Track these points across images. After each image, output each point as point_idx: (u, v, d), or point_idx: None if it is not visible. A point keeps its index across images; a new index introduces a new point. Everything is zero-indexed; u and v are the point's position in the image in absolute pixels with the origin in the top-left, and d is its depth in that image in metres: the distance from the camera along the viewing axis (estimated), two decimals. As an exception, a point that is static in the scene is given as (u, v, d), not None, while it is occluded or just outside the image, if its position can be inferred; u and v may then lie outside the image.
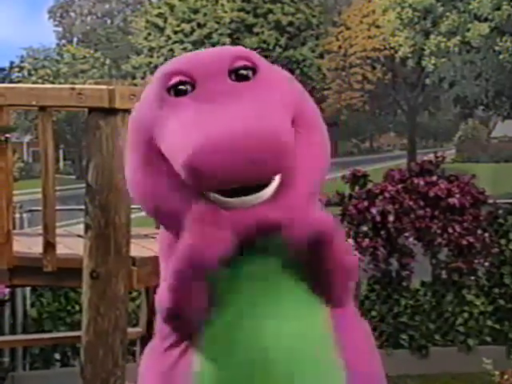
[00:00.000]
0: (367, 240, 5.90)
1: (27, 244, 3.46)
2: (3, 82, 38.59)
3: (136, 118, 1.70)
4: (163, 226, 1.70)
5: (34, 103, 3.03)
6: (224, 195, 1.50)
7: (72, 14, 59.35)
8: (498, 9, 22.95)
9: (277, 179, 1.53)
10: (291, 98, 1.60)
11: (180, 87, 1.60)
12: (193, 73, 1.59)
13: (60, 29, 59.43)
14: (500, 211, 6.26)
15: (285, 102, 1.56)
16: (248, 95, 1.53)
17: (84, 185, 3.00)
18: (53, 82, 38.63)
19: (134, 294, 5.53)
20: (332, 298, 1.69)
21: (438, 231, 5.95)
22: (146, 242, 3.47)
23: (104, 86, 2.97)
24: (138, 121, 1.67)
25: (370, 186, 6.11)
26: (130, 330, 3.71)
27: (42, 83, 36.11)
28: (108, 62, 45.54)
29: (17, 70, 44.84)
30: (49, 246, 3.06)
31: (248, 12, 34.48)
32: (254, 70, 1.60)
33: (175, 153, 1.49)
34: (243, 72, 1.59)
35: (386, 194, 5.94)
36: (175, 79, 1.60)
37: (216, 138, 1.42)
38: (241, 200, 1.50)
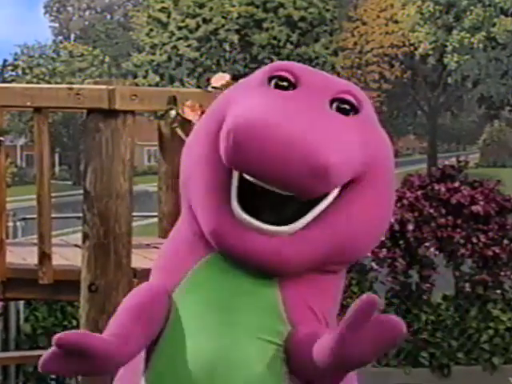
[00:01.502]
0: (385, 250, 5.89)
1: (21, 254, 3.47)
2: (-4, 82, 38.76)
3: (226, 93, 1.83)
4: (183, 198, 1.80)
5: (28, 104, 3.04)
6: (249, 211, 1.59)
7: (69, 9, 59.61)
8: (526, 2, 22.95)
9: (307, 217, 1.61)
10: (370, 149, 1.68)
11: (282, 83, 1.71)
12: (301, 79, 1.71)
13: (56, 24, 59.68)
14: (528, 220, 6.25)
15: (363, 150, 1.64)
16: (328, 123, 1.62)
17: (82, 191, 3.01)
18: (49, 82, 38.77)
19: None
20: (300, 376, 1.68)
21: (461, 241, 5.94)
22: (148, 253, 3.47)
23: (103, 86, 2.98)
24: (225, 95, 1.80)
25: (387, 192, 6.10)
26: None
27: (37, 82, 36.24)
28: (107, 59, 45.66)
29: (10, 68, 45.03)
30: (44, 256, 3.07)
31: (257, 6, 34.53)
32: (356, 109, 1.71)
33: (230, 119, 1.59)
34: (345, 106, 1.71)
35: (405, 201, 5.94)
36: (282, 73, 1.72)
37: (264, 125, 1.53)
38: (256, 224, 1.58)
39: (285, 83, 1.71)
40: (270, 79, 1.72)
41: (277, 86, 1.71)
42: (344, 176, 1.58)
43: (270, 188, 1.57)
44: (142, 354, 1.74)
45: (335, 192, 1.64)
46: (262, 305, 1.68)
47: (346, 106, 1.70)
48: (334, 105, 1.69)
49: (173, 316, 1.71)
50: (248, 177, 1.59)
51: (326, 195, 1.62)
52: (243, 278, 1.68)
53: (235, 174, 1.63)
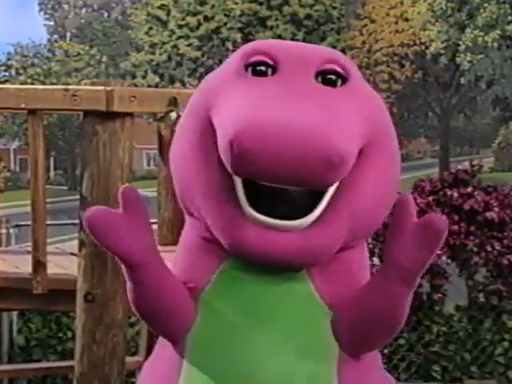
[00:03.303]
0: (395, 259, 5.89)
1: (14, 263, 3.47)
2: (-12, 82, 38.84)
3: (203, 85, 1.79)
4: (186, 210, 1.78)
5: (22, 106, 3.05)
6: (261, 206, 1.58)
7: (65, 6, 59.75)
8: (542, -1, 22.98)
9: (321, 205, 1.59)
10: (370, 118, 1.66)
11: (260, 68, 1.68)
12: (279, 58, 1.67)
13: (51, 23, 59.81)
14: (545, 227, 6.24)
15: (361, 119, 1.63)
16: (324, 100, 1.59)
17: (78, 197, 3.02)
18: (43, 82, 38.83)
19: (133, 318, 5.53)
20: (353, 350, 1.70)
21: (475, 249, 5.94)
22: (147, 261, 3.48)
23: (101, 87, 2.99)
24: (204, 89, 1.76)
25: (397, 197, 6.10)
26: (128, 359, 3.71)
27: (32, 83, 36.29)
28: (105, 59, 45.75)
29: (3, 68, 45.10)
30: (39, 265, 3.07)
31: (261, 3, 34.60)
32: (344, 77, 1.68)
33: (226, 125, 1.55)
34: (331, 77, 1.67)
35: (416, 208, 5.93)
36: (257, 57, 1.68)
37: (270, 126, 1.49)
38: (271, 222, 1.57)
39: (263, 67, 1.67)
40: (247, 66, 1.69)
41: (255, 73, 1.68)
42: (354, 157, 1.58)
43: (282, 186, 1.56)
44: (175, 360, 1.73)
45: None
46: (299, 300, 1.68)
47: (333, 77, 1.67)
48: (320, 78, 1.66)
49: (201, 323, 1.70)
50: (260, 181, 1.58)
51: None
52: (271, 278, 1.67)
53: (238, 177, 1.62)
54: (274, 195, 1.58)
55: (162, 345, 1.79)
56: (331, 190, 1.61)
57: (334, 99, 1.62)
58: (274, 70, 1.67)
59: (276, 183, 1.54)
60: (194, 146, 1.67)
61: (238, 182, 1.60)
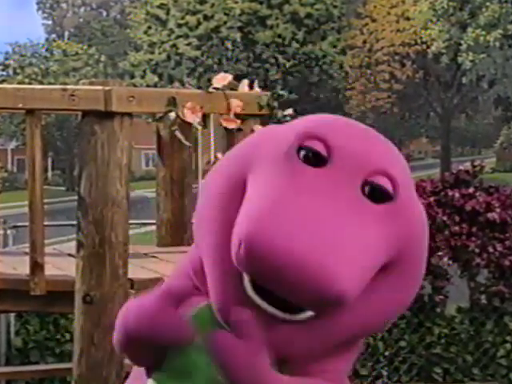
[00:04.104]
0: (396, 260, 5.89)
1: (12, 264, 3.47)
2: (-15, 82, 38.84)
3: (253, 139, 1.70)
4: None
5: (20, 106, 3.05)
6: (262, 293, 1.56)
7: (63, 5, 59.78)
8: (545, -2, 22.99)
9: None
10: (403, 238, 1.62)
11: (310, 154, 1.60)
12: (333, 151, 1.60)
13: (49, 22, 59.85)
14: (547, 228, 6.24)
15: (391, 240, 1.59)
16: (353, 220, 1.54)
17: (76, 197, 3.02)
18: (41, 82, 38.84)
19: (132, 320, 5.53)
20: None
21: (476, 250, 5.93)
22: (146, 262, 3.48)
23: (99, 87, 2.99)
24: (250, 144, 1.69)
25: (398, 198, 6.10)
26: (127, 361, 3.71)
27: (30, 83, 36.30)
28: (103, 58, 45.77)
29: (1, 68, 45.15)
30: (36, 266, 3.07)
31: (261, 2, 34.60)
32: (390, 196, 1.59)
33: (242, 218, 1.53)
34: (375, 192, 1.58)
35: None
36: (313, 144, 1.60)
37: (277, 243, 1.47)
38: (271, 310, 1.56)
39: (314, 156, 1.58)
40: (300, 149, 1.60)
41: (306, 158, 1.60)
42: (363, 284, 1.55)
43: None
44: None
45: None
46: None
47: (377, 193, 1.57)
48: (366, 189, 1.57)
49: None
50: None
51: None
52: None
53: None
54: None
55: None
56: None
57: (365, 221, 1.56)
58: (325, 161, 1.59)
59: (276, 292, 1.52)
60: (222, 198, 1.64)
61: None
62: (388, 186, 1.59)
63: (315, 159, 1.60)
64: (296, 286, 1.49)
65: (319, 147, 1.60)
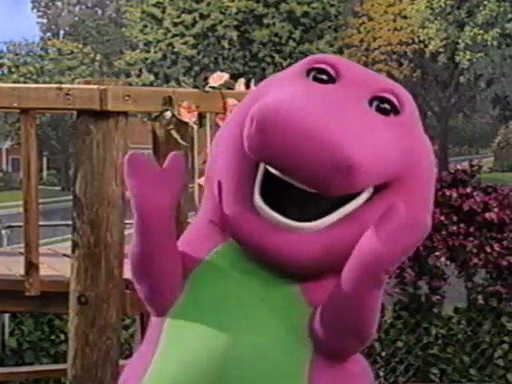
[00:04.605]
0: (393, 260, 5.89)
1: (6, 264, 3.47)
2: (-20, 81, 38.77)
3: (261, 84, 1.84)
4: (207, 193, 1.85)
5: (15, 105, 3.05)
6: (279, 209, 1.62)
7: (58, 4, 59.71)
8: (542, -3, 23.02)
9: (334, 215, 1.63)
10: (409, 155, 1.69)
11: (321, 76, 1.72)
12: (341, 72, 1.72)
13: (44, 20, 59.77)
14: (545, 228, 6.24)
15: (397, 155, 1.65)
16: (364, 122, 1.63)
17: (71, 197, 3.01)
18: (36, 81, 38.83)
19: (127, 321, 5.53)
20: (326, 351, 1.70)
21: (474, 250, 5.94)
22: (141, 263, 3.47)
23: (94, 86, 2.98)
24: (262, 84, 1.82)
25: (395, 198, 6.10)
26: (122, 362, 3.71)
27: (25, 82, 36.31)
28: (99, 57, 45.74)
29: (-5, 66, 45.08)
30: (31, 266, 3.07)
31: (257, 1, 34.59)
32: (397, 110, 1.72)
33: (257, 105, 1.60)
34: (385, 106, 1.71)
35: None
36: (322, 65, 1.73)
37: (292, 116, 1.54)
38: (279, 219, 1.61)
39: (324, 76, 1.72)
40: (309, 71, 1.73)
41: (315, 79, 1.73)
42: (374, 177, 1.60)
43: (294, 183, 1.60)
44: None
45: (367, 193, 1.66)
46: (281, 293, 1.70)
47: (387, 106, 1.70)
48: (374, 103, 1.69)
49: (184, 300, 1.75)
50: (271, 169, 1.62)
51: (356, 195, 1.65)
52: (259, 271, 1.70)
53: (261, 168, 1.67)
54: (294, 196, 1.63)
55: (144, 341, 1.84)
56: (349, 206, 1.64)
57: (376, 122, 1.65)
58: (333, 81, 1.71)
59: (286, 173, 1.58)
60: (231, 133, 1.73)
61: (260, 174, 1.66)
62: (395, 100, 1.72)
63: (325, 80, 1.71)
64: (309, 157, 1.52)
65: (327, 67, 1.73)
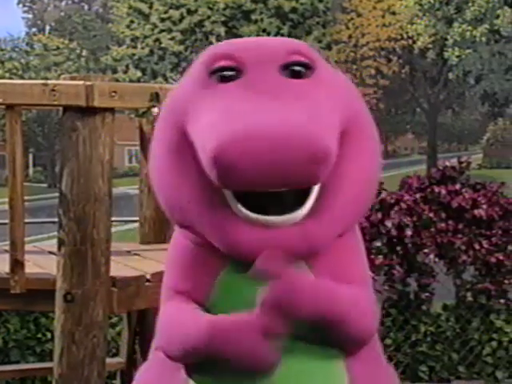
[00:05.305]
0: (381, 257, 5.90)
1: (-8, 262, 3.45)
2: (-35, 77, 38.60)
3: (172, 97, 1.78)
4: (177, 224, 1.77)
5: (0, 101, 3.04)
6: (252, 207, 1.58)
7: (44, -1, 59.49)
8: (531, -7, 23.10)
9: (311, 199, 1.61)
10: (344, 103, 1.68)
11: (225, 73, 1.67)
12: (242, 59, 1.67)
13: (30, 15, 59.57)
14: (533, 224, 6.26)
15: (336, 107, 1.65)
16: (297, 94, 1.60)
17: (57, 194, 3.01)
18: (22, 77, 38.67)
19: (114, 319, 5.52)
20: (346, 351, 1.75)
21: (463, 247, 5.96)
22: (129, 260, 3.47)
23: (81, 82, 2.98)
24: (173, 101, 1.76)
25: (384, 195, 6.12)
26: (108, 360, 3.71)
27: (10, 78, 36.12)
28: (85, 53, 45.62)
29: (-20, 62, 44.88)
30: (16, 264, 3.06)
31: (245, -4, 34.55)
32: (310, 67, 1.69)
33: (205, 140, 1.55)
34: (297, 68, 1.68)
35: (403, 205, 5.95)
36: (221, 63, 1.68)
37: (252, 133, 1.49)
38: (264, 219, 1.58)
39: (228, 72, 1.67)
40: (211, 74, 1.68)
41: (222, 79, 1.67)
42: (336, 148, 1.60)
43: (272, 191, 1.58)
44: None
45: None
46: None
47: (299, 68, 1.68)
48: (286, 71, 1.67)
49: None
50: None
51: None
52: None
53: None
54: (262, 195, 1.59)
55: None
56: (318, 185, 1.63)
57: (306, 91, 1.63)
58: (239, 71, 1.67)
59: (267, 189, 1.55)
60: (171, 159, 1.67)
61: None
62: (303, 59, 1.68)
63: (230, 77, 1.66)
64: (285, 165, 1.49)
65: (228, 63, 1.67)
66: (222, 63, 1.68)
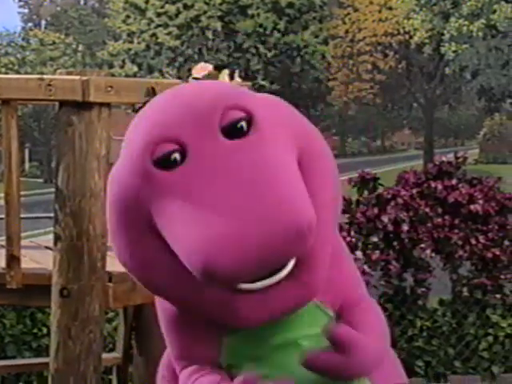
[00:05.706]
0: (378, 252, 5.91)
1: (-13, 257, 3.45)
2: (-40, 71, 38.54)
3: (118, 192, 1.69)
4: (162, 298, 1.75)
5: (-5, 96, 3.03)
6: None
7: (40, -6, 59.36)
8: (528, -12, 23.10)
9: (292, 260, 1.59)
10: (294, 136, 1.64)
11: (171, 158, 1.58)
12: (181, 138, 1.58)
13: (26, 10, 59.44)
14: (530, 219, 6.27)
15: (288, 148, 1.60)
16: (247, 162, 1.54)
17: (53, 189, 3.00)
18: (18, 72, 38.62)
19: (111, 314, 5.52)
20: None
21: (459, 242, 5.96)
22: (125, 255, 3.46)
23: (77, 77, 2.97)
24: (124, 198, 1.67)
25: (380, 190, 6.12)
26: (105, 355, 3.71)
27: (6, 73, 36.08)
28: (81, 48, 45.55)
29: (-24, 57, 44.82)
30: (13, 259, 3.06)
31: (242, -9, 34.52)
32: (249, 119, 1.60)
33: (184, 252, 1.52)
34: (237, 127, 1.59)
35: (399, 200, 5.95)
36: (162, 150, 1.59)
37: (228, 239, 1.46)
38: (252, 286, 1.57)
39: (172, 156, 1.58)
40: (156, 163, 1.59)
41: (166, 163, 1.58)
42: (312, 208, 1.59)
43: None
44: None
45: None
46: (312, 317, 1.73)
47: (241, 125, 1.60)
48: (229, 131, 1.59)
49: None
50: None
51: None
52: (277, 327, 1.69)
53: None
54: None
55: None
56: None
57: (255, 156, 1.55)
58: (183, 152, 1.58)
59: (253, 277, 1.55)
60: (142, 246, 1.64)
61: None
62: (240, 114, 1.60)
63: (176, 161, 1.57)
64: (275, 255, 1.48)
65: (171, 147, 1.59)
66: (163, 150, 1.58)
